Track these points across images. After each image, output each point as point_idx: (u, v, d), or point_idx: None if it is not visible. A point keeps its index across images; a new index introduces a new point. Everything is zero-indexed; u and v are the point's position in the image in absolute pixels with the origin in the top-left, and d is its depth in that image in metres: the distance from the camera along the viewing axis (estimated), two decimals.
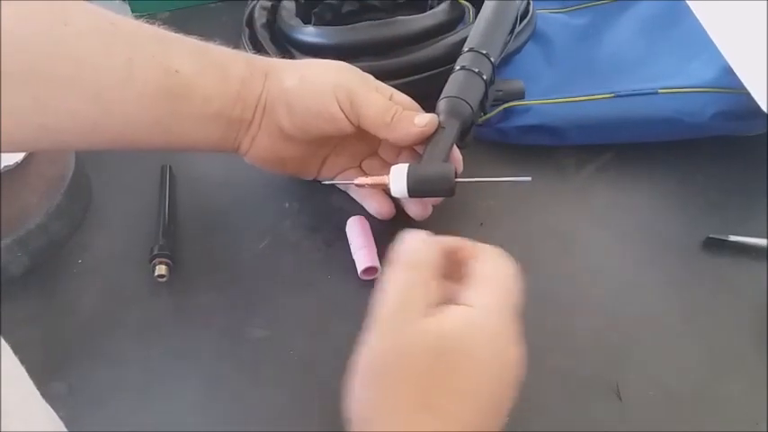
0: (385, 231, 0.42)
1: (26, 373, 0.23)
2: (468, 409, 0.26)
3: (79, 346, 0.37)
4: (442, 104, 0.40)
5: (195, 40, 0.38)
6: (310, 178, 0.44)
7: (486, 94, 0.42)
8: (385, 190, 0.39)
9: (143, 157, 0.47)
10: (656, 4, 0.53)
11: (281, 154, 0.40)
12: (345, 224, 0.42)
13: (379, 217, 0.42)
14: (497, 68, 0.48)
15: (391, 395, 0.26)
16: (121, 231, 0.44)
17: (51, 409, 0.25)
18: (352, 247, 0.41)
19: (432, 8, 0.49)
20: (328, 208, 0.44)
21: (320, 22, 0.54)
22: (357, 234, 0.41)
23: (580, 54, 0.51)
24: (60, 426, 0.26)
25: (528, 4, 0.51)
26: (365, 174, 0.43)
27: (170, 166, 0.47)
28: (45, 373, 0.36)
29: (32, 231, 0.40)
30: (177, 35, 0.37)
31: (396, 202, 0.42)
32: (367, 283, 0.40)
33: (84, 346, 0.37)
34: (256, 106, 0.38)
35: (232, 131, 0.39)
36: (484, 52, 0.41)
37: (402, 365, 0.26)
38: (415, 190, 0.36)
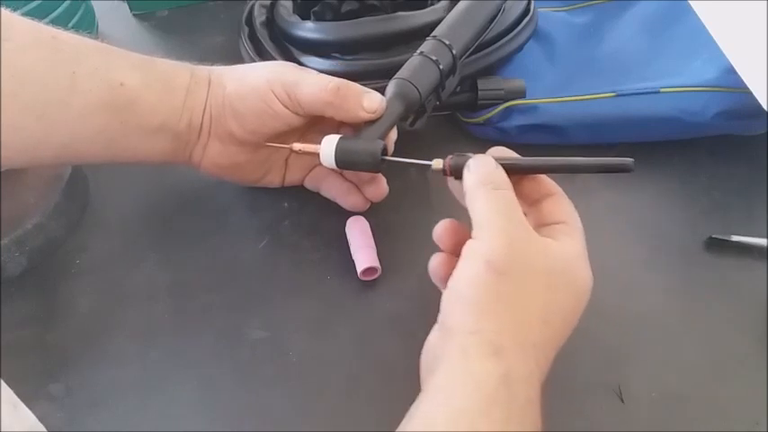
0: (385, 231, 0.42)
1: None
2: (561, 334, 0.30)
3: (77, 347, 0.37)
4: (390, 85, 0.40)
5: (139, 54, 0.38)
6: (278, 185, 0.44)
7: (441, 84, 0.42)
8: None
9: None
10: (658, 3, 0.52)
11: (237, 159, 0.40)
12: (345, 224, 0.42)
13: (355, 210, 0.43)
14: (498, 69, 0.49)
15: (518, 298, 0.28)
16: (119, 231, 0.43)
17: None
18: (351, 247, 0.41)
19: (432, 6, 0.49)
20: (328, 208, 0.43)
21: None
22: (357, 234, 0.41)
23: (582, 53, 0.51)
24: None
25: (529, 2, 0.51)
26: (338, 174, 0.43)
27: None
28: (43, 375, 0.36)
29: (30, 231, 0.40)
30: (121, 49, 0.37)
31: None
32: (366, 284, 0.40)
33: (83, 347, 0.37)
34: (203, 114, 0.38)
35: (181, 143, 0.39)
36: (447, 42, 0.41)
37: (526, 274, 0.28)
38: (342, 160, 0.37)
